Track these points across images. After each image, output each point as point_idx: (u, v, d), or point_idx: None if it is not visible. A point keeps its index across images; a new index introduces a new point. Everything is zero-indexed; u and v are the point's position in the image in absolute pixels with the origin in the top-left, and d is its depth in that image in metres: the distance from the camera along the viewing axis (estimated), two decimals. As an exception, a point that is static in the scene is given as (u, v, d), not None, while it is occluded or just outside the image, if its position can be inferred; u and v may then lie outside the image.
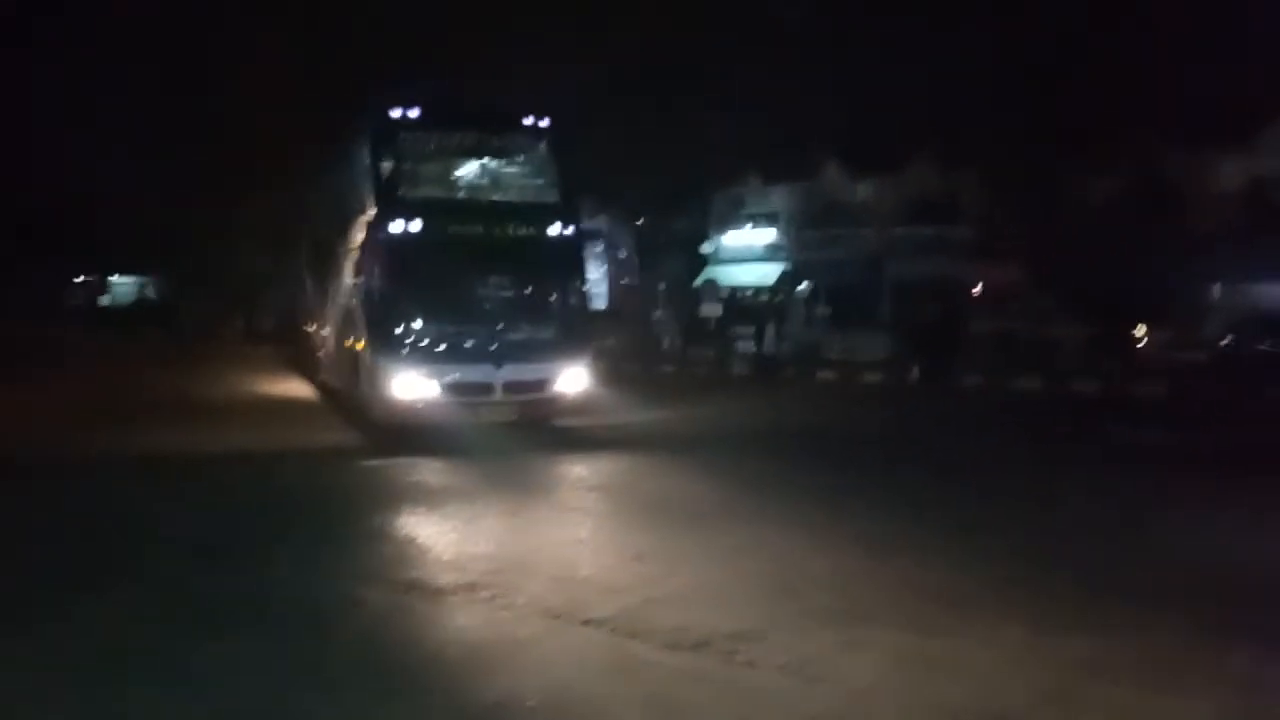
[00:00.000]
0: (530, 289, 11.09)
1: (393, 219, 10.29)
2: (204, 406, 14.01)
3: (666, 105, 26.73)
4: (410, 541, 6.85)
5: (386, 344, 10.26)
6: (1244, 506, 7.87)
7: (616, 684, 4.32)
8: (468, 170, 11.08)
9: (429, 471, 9.26)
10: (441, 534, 7.01)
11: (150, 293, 41.43)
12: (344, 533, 7.00)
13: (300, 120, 22.38)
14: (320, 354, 15.24)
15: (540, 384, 10.65)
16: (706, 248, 33.96)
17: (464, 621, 5.15)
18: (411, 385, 10.14)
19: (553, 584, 5.68)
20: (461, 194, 11.00)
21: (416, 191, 10.64)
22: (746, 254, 33.29)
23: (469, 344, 10.37)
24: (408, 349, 10.18)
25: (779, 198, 32.58)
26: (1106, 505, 8.10)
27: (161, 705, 4.09)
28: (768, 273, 32.41)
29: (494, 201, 11.00)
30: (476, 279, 10.65)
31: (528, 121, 11.09)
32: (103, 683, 4.29)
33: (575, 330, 11.18)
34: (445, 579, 5.78)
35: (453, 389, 10.19)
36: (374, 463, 9.66)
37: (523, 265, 10.82)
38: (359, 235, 11.25)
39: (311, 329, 16.19)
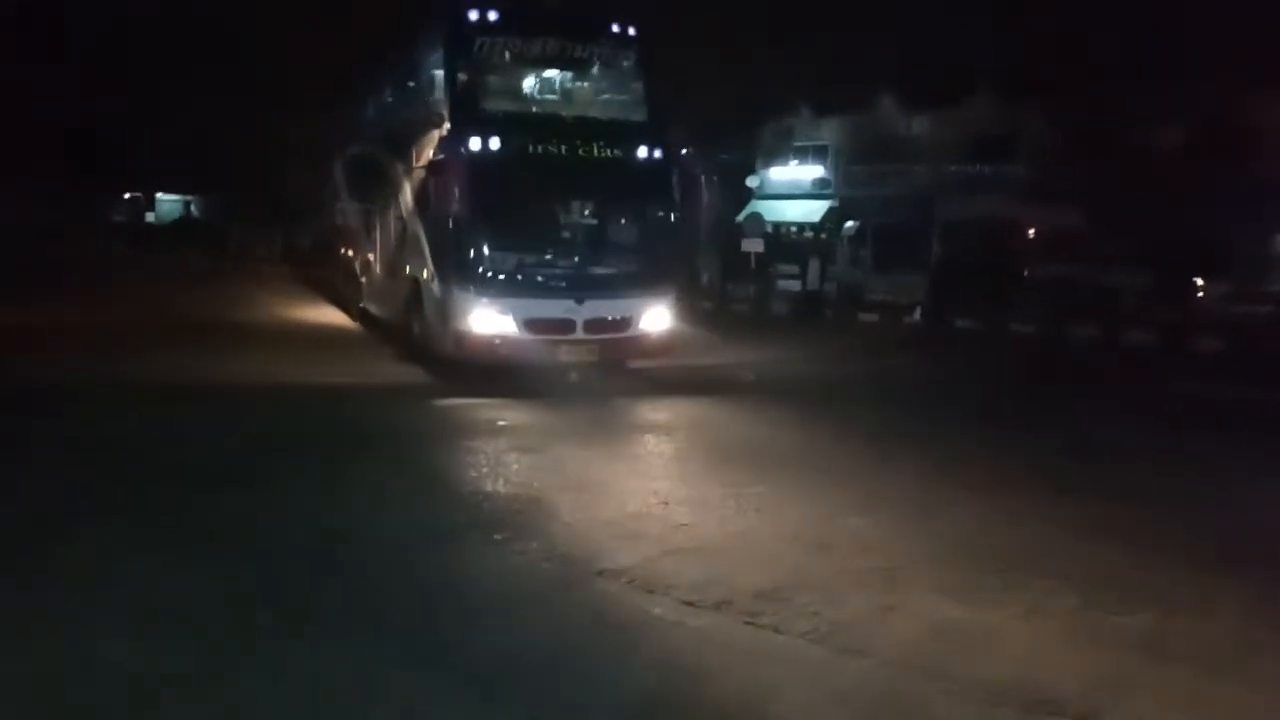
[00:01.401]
0: (617, 218, 10.37)
1: (472, 135, 9.46)
2: (245, 332, 13.82)
3: (716, 30, 25.70)
4: (457, 482, 6.50)
5: (463, 274, 9.58)
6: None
7: (623, 643, 4.04)
8: (551, 83, 10.31)
9: (495, 412, 8.84)
10: (485, 474, 6.68)
11: (195, 211, 41.71)
12: (402, 481, 6.53)
13: (354, 31, 21.81)
14: (363, 281, 15.01)
15: (624, 322, 10.00)
16: (751, 181, 33.02)
17: (476, 567, 4.92)
18: (489, 320, 9.57)
19: (572, 529, 5.42)
20: (546, 109, 10.19)
21: (497, 105, 9.90)
22: (793, 189, 32.35)
23: (552, 277, 9.81)
24: (486, 280, 9.58)
25: (829, 131, 31.47)
26: (1170, 467, 7.57)
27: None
28: (814, 209, 31.50)
29: (581, 119, 10.15)
30: (561, 205, 9.95)
31: (615, 29, 10.27)
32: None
33: (662, 265, 10.48)
34: (465, 519, 5.55)
35: (532, 325, 9.62)
36: (445, 402, 9.29)
37: (610, 191, 10.02)
38: (426, 153, 10.59)
39: (351, 254, 15.97)
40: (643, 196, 10.30)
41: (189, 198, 42.41)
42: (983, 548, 5.34)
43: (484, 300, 9.56)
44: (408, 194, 11.63)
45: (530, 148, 9.69)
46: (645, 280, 10.26)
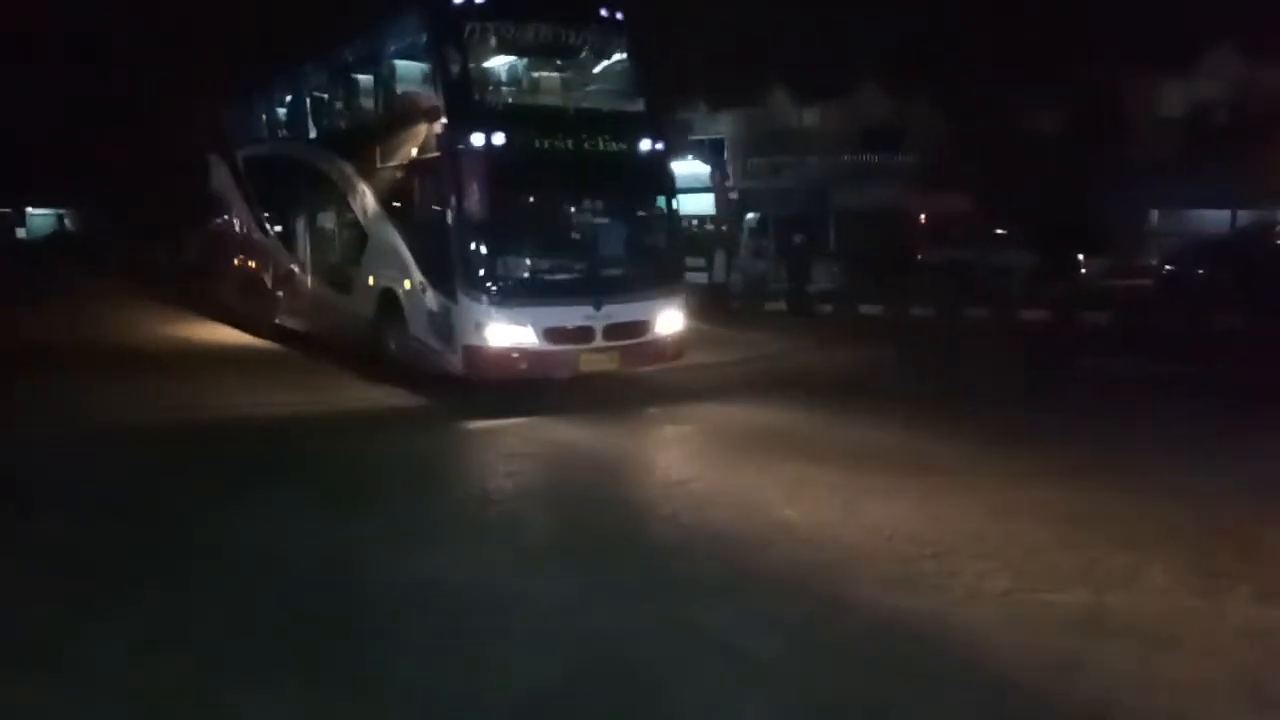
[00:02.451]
0: (625, 214, 9.77)
1: (476, 129, 8.65)
2: (151, 355, 12.42)
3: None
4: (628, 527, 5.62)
5: (472, 282, 8.73)
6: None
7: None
8: (543, 72, 9.62)
9: (550, 433, 8.05)
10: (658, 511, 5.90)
11: (69, 224, 38.55)
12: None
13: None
14: (280, 295, 13.70)
15: (642, 326, 9.37)
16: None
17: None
18: (506, 331, 8.74)
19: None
20: (542, 100, 9.50)
21: (495, 97, 9.15)
22: (693, 183, 32.32)
23: (568, 282, 9.11)
24: (501, 288, 8.77)
25: (725, 125, 31.69)
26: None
27: None
28: (712, 202, 31.65)
29: (584, 110, 9.52)
30: (571, 202, 9.27)
31: (604, 13, 9.61)
32: None
33: (671, 263, 10.02)
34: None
35: (552, 335, 8.85)
36: (478, 425, 8.45)
37: (618, 186, 9.46)
38: (403, 150, 9.63)
39: (257, 265, 14.52)
40: (648, 191, 9.80)
41: (62, 211, 38.96)
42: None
43: (500, 310, 8.75)
44: (368, 197, 10.61)
45: (537, 142, 8.99)
46: (658, 280, 9.71)
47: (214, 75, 18.39)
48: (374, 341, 10.58)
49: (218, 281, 17.02)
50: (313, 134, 12.98)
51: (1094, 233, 24.60)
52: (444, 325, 9.08)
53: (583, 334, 9.03)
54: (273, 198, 14.29)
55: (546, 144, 9.00)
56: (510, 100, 9.30)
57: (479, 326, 8.75)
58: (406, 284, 9.76)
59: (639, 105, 9.88)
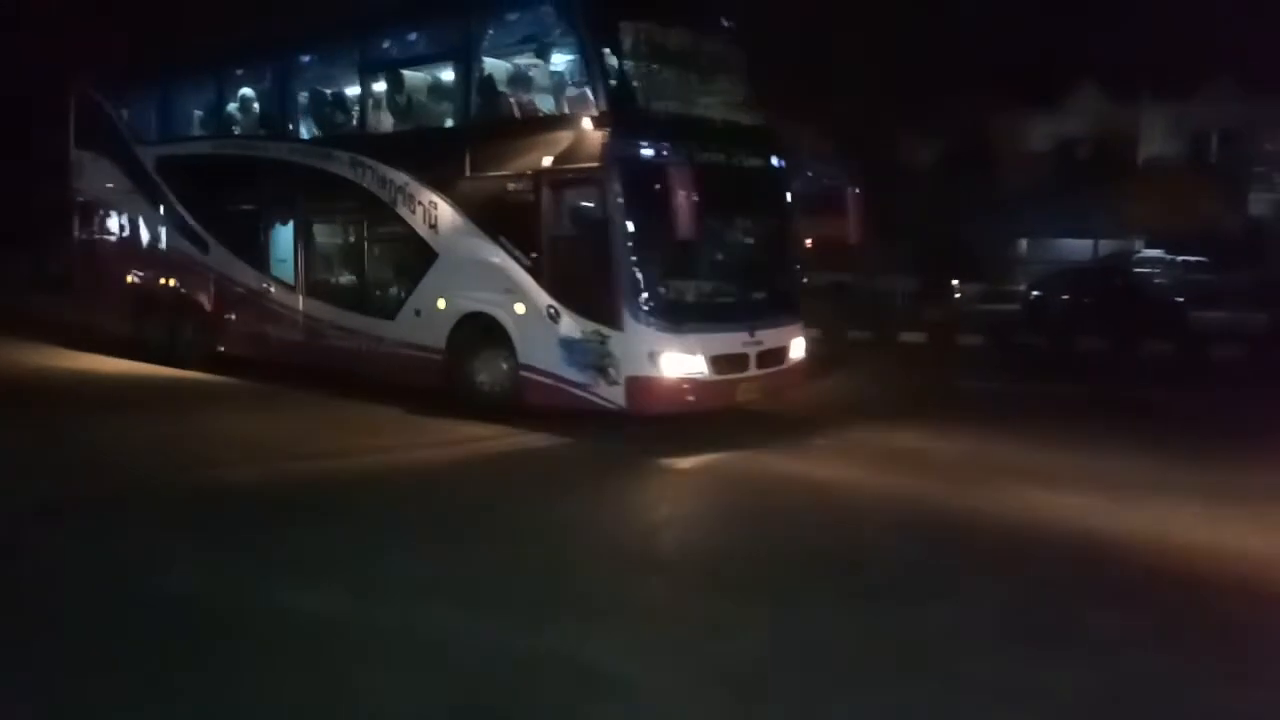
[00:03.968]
0: (766, 233, 9.54)
1: (642, 139, 8.20)
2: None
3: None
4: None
5: (644, 308, 8.19)
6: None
7: None
8: (689, 79, 9.13)
9: (778, 466, 7.62)
10: None
11: None
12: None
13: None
14: (234, 317, 12.21)
15: (783, 352, 9.13)
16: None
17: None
18: (680, 361, 8.20)
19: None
20: (692, 110, 9.06)
21: (657, 104, 8.63)
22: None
23: (727, 305, 8.77)
24: (673, 314, 8.30)
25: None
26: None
27: None
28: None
29: (728, 123, 9.22)
30: (725, 222, 8.88)
31: (725, 23, 9.40)
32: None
33: (795, 284, 9.90)
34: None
35: (717, 363, 8.39)
36: (686, 463, 7.91)
37: (759, 203, 9.26)
38: (530, 160, 8.80)
39: (186, 287, 12.79)
40: (780, 208, 9.72)
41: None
42: None
43: (675, 338, 8.26)
44: (440, 209, 9.66)
45: (699, 155, 8.60)
46: (790, 303, 9.63)
47: (93, 61, 15.77)
48: (445, 373, 9.62)
49: (91, 302, 14.64)
50: (306, 133, 11.61)
51: (967, 259, 27.02)
52: (594, 355, 8.43)
53: (741, 362, 8.74)
54: (221, 206, 12.57)
55: (706, 158, 8.65)
56: (669, 108, 8.82)
57: (652, 356, 8.20)
58: (518, 309, 8.97)
59: (758, 118, 9.76)
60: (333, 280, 11.39)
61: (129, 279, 14.07)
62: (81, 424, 9.14)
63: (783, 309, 9.39)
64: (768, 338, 8.96)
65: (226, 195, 12.59)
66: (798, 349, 9.50)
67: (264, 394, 11.02)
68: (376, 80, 10.57)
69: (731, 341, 8.62)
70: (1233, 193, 24.59)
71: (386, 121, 10.55)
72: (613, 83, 8.35)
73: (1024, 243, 28.43)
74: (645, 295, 8.24)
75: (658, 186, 8.22)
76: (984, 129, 27.93)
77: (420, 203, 9.86)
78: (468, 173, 9.43)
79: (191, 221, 12.97)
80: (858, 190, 9.62)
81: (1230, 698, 3.86)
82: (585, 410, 8.65)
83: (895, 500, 6.81)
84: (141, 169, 13.75)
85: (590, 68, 8.44)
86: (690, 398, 8.39)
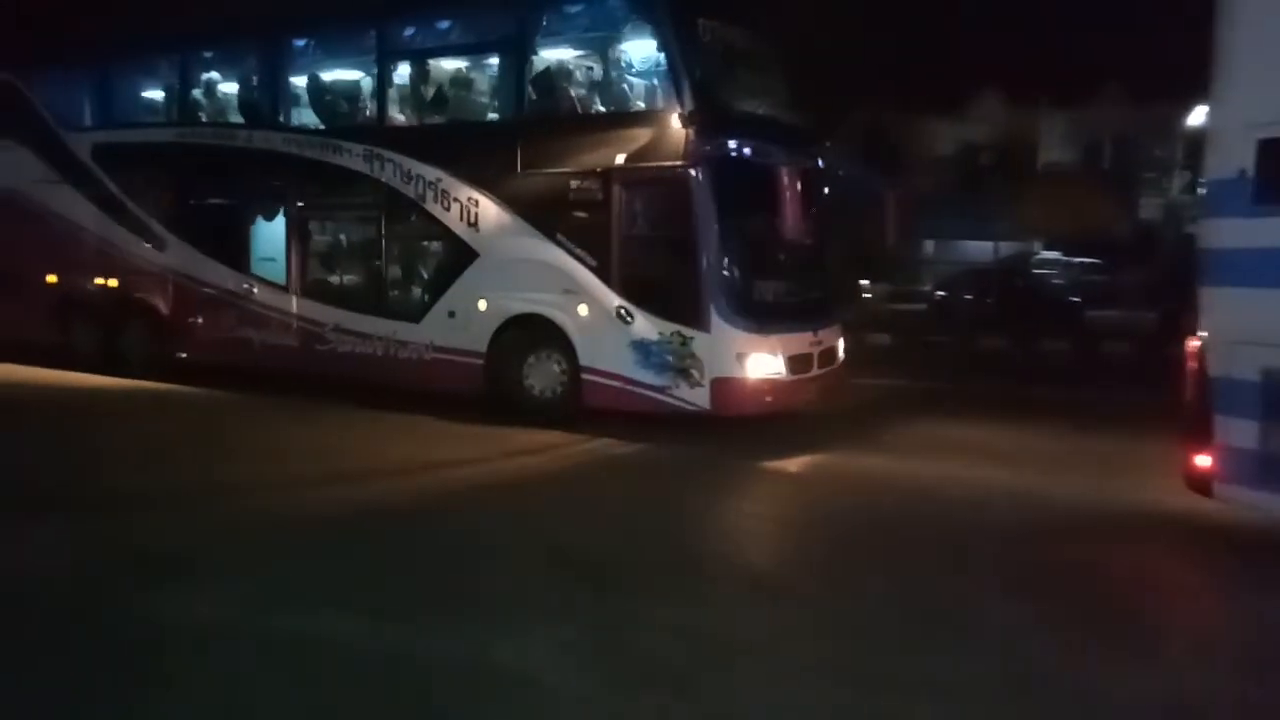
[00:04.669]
0: (819, 233, 9.65)
1: (728, 137, 8.27)
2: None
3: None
4: None
5: (732, 309, 8.25)
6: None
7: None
8: (749, 78, 9.19)
9: (885, 466, 7.66)
10: None
11: None
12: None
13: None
14: (201, 321, 11.49)
15: (835, 352, 9.35)
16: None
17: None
18: (763, 361, 8.28)
19: None
20: (758, 109, 9.10)
21: (736, 100, 8.68)
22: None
23: (796, 305, 8.88)
24: (758, 314, 8.40)
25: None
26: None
27: None
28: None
29: (784, 123, 9.33)
30: (791, 221, 8.91)
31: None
32: None
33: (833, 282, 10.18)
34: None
35: (792, 363, 8.50)
36: (792, 466, 7.88)
37: (813, 203, 9.35)
38: (600, 156, 8.67)
39: (135, 286, 11.94)
40: (823, 207, 9.96)
41: None
42: None
43: (760, 339, 8.37)
44: (482, 206, 9.40)
45: (776, 155, 8.79)
46: (837, 303, 9.94)
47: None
48: (486, 378, 9.39)
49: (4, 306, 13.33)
50: (302, 123, 11.01)
51: (877, 260, 28.28)
52: (674, 357, 8.43)
53: (808, 362, 8.94)
54: (184, 200, 11.78)
55: (780, 158, 8.82)
56: (743, 105, 8.92)
57: (739, 357, 8.28)
58: (580, 310, 8.86)
59: (800, 119, 10.02)
60: (338, 281, 10.87)
61: (52, 280, 12.91)
62: (110, 436, 8.41)
63: (832, 309, 9.68)
64: (825, 337, 9.23)
65: (192, 188, 11.80)
66: (841, 349, 9.82)
67: (276, 405, 10.32)
68: (399, 69, 10.16)
69: (801, 342, 8.83)
70: (1124, 197, 26.93)
71: (412, 114, 10.15)
72: (697, 79, 8.35)
73: (930, 244, 30.03)
74: (732, 296, 8.31)
75: (743, 187, 8.38)
76: (892, 134, 29.36)
77: (457, 200, 9.55)
78: (519, 169, 9.20)
79: (143, 216, 12.07)
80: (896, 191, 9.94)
81: None
82: (657, 413, 8.63)
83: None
84: (71, 158, 12.67)
85: (674, 63, 8.40)
86: (769, 398, 8.53)
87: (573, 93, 9.19)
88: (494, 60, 9.81)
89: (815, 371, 9.03)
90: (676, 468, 7.91)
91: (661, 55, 8.56)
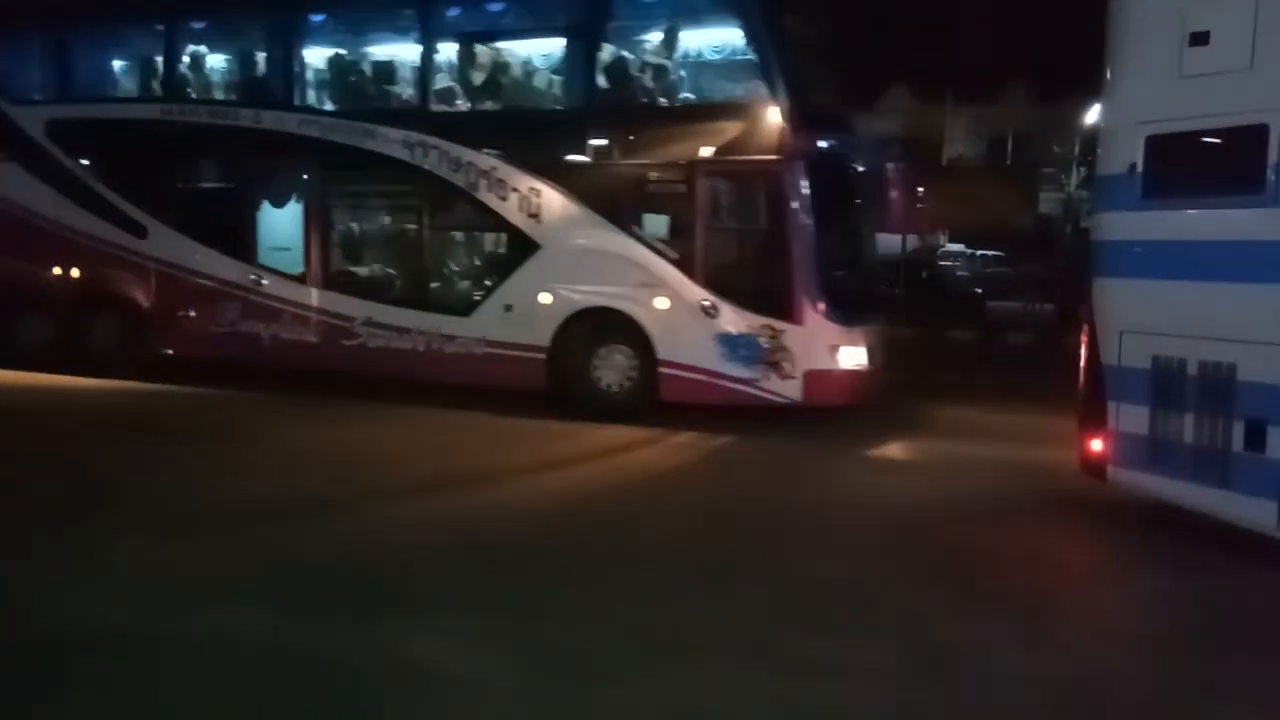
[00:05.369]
0: (872, 226, 10.00)
1: (820, 132, 8.49)
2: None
3: None
4: None
5: (824, 302, 8.50)
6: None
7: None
8: (817, 72, 9.38)
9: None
10: None
11: None
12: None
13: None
14: (194, 314, 10.85)
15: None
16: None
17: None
18: (854, 353, 8.58)
19: None
20: (826, 103, 9.34)
21: (818, 93, 8.85)
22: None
23: (865, 297, 9.22)
24: (846, 307, 8.67)
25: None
26: None
27: None
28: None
29: (843, 116, 9.65)
30: (862, 213, 9.22)
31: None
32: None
33: None
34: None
35: (869, 354, 8.83)
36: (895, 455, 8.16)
37: (874, 195, 9.56)
38: (684, 149, 8.75)
39: (105, 279, 11.17)
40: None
41: None
42: None
43: (849, 331, 8.74)
44: (544, 197, 9.31)
45: (856, 149, 9.20)
46: None
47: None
48: (548, 373, 9.36)
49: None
50: (320, 104, 10.56)
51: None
52: (764, 350, 8.68)
53: (875, 353, 9.38)
54: (170, 183, 11.10)
55: (858, 151, 9.21)
56: (823, 101, 9.21)
57: (832, 349, 8.61)
58: (659, 303, 8.99)
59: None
60: (369, 272, 10.52)
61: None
62: (170, 444, 7.87)
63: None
64: (881, 330, 9.70)
65: (182, 171, 11.15)
66: None
67: (305, 405, 9.78)
68: (447, 50, 9.89)
69: (872, 334, 9.25)
70: (1026, 191, 28.79)
71: (464, 99, 9.89)
72: (790, 73, 8.58)
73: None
74: (823, 290, 8.62)
75: (831, 181, 8.71)
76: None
77: (515, 190, 9.42)
78: (590, 159, 9.18)
79: (115, 200, 11.24)
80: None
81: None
82: (742, 405, 8.84)
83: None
84: (17, 134, 11.63)
85: (767, 56, 8.59)
86: (853, 388, 8.91)
87: (651, 83, 9.22)
88: (561, 46, 9.70)
89: (869, 364, 9.47)
90: (792, 459, 8.11)
91: (752, 47, 8.74)
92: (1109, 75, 6.08)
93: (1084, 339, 6.26)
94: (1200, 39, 5.44)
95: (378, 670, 3.86)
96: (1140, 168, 5.77)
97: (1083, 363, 6.29)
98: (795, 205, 8.52)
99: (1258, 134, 5.16)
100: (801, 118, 8.51)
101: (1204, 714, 3.77)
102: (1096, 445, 6.11)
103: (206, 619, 4.30)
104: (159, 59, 11.28)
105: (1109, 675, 4.05)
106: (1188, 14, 5.49)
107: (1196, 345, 5.57)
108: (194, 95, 11.15)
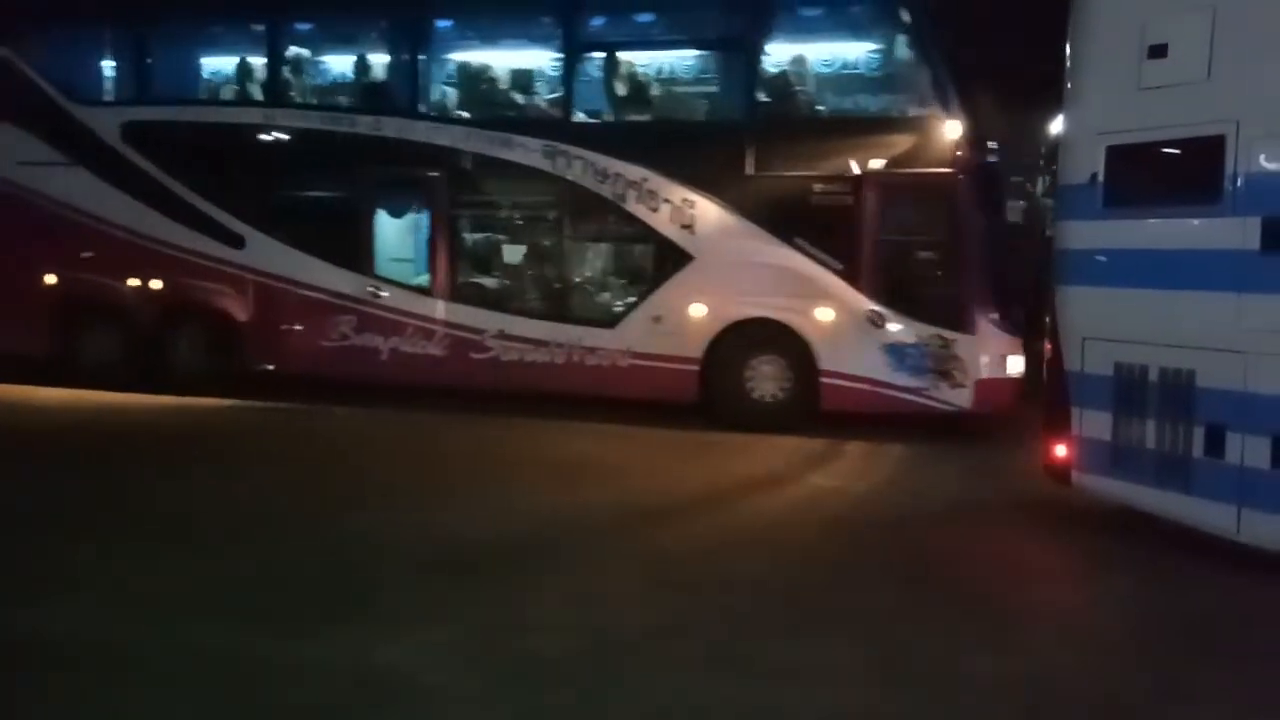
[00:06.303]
0: None
1: (987, 143, 8.88)
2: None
3: None
4: None
5: (996, 312, 8.87)
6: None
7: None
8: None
9: None
10: None
11: None
12: None
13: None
14: (294, 329, 10.67)
15: None
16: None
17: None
18: (1017, 361, 8.94)
19: None
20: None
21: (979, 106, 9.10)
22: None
23: (1015, 305, 9.44)
24: (1009, 315, 9.04)
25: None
26: None
27: None
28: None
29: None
30: (1010, 223, 9.77)
31: None
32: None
33: None
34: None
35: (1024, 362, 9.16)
36: None
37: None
38: (854, 160, 8.97)
39: (182, 291, 10.94)
40: None
41: None
42: None
43: (1013, 339, 9.14)
44: (699, 208, 9.50)
45: (1002, 158, 9.62)
46: None
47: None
48: (700, 384, 9.54)
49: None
50: (448, 111, 10.51)
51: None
52: (934, 359, 9.01)
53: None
54: (274, 191, 10.84)
55: (1004, 161, 9.67)
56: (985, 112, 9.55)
57: (1002, 358, 9.00)
58: (822, 314, 9.25)
59: None
60: (501, 284, 10.48)
61: (50, 281, 11.41)
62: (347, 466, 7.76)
63: None
64: None
65: (287, 179, 10.85)
66: None
67: (441, 419, 9.77)
68: (595, 60, 9.96)
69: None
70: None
71: (611, 109, 9.99)
72: (962, 85, 8.94)
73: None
74: (993, 299, 9.02)
75: (996, 192, 9.18)
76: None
77: (667, 201, 9.57)
78: (750, 171, 9.38)
79: (208, 208, 10.98)
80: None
81: None
82: (908, 413, 9.14)
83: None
84: (87, 137, 11.24)
85: (937, 69, 8.93)
86: (1016, 396, 9.29)
87: (814, 95, 9.49)
88: (719, 58, 9.89)
89: None
90: (986, 468, 8.30)
91: (925, 60, 9.05)
92: (1070, 86, 6.29)
93: (1047, 346, 6.44)
94: (1159, 51, 5.61)
95: None
96: (1101, 177, 5.95)
97: (1046, 369, 6.48)
98: (969, 217, 8.90)
99: (1215, 144, 5.35)
100: (974, 131, 8.90)
101: (1171, 716, 3.89)
102: (1061, 451, 6.28)
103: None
104: (261, 61, 11.03)
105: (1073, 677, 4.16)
106: (1146, 26, 5.68)
107: (1157, 352, 5.73)
108: (299, 99, 10.95)
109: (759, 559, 5.68)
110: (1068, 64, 6.27)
